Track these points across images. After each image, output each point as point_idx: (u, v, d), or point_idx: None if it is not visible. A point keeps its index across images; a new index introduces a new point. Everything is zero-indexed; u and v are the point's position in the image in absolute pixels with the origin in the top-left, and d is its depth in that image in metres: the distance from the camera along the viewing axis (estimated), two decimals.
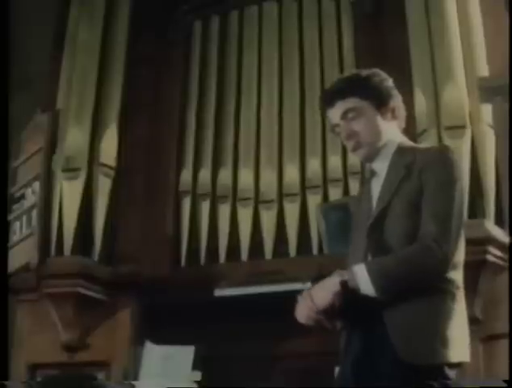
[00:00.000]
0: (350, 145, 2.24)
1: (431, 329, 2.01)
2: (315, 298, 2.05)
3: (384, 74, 2.29)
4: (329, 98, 2.27)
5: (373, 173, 2.27)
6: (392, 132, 2.26)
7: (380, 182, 2.22)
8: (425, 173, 2.11)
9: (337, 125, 2.26)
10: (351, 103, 2.22)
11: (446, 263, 2.04)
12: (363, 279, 2.02)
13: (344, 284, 2.03)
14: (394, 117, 2.27)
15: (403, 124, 2.32)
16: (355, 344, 2.11)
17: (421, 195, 2.11)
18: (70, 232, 4.23)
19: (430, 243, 2.02)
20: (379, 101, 2.24)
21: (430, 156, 2.16)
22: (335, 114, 2.25)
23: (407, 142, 2.29)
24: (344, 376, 2.13)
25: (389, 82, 2.29)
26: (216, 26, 4.96)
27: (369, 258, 2.14)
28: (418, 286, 2.03)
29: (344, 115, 2.22)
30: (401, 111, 2.30)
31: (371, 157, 2.24)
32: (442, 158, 2.14)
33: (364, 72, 2.29)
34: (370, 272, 2.02)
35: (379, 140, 2.22)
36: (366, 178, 2.31)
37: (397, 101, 2.29)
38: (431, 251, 2.02)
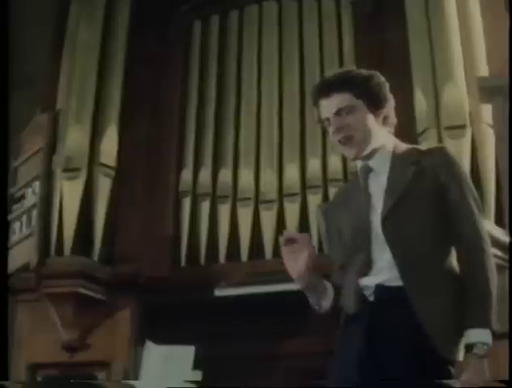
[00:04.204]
0: (338, 137, 2.19)
1: (456, 321, 2.09)
2: None
3: (383, 78, 2.27)
4: (327, 87, 2.22)
5: (369, 170, 2.23)
6: (385, 134, 2.25)
7: (381, 180, 2.19)
8: (442, 174, 2.13)
9: (327, 119, 2.22)
10: (346, 100, 2.18)
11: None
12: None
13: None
14: (386, 123, 2.25)
15: (392, 132, 2.30)
16: (358, 334, 2.10)
17: (439, 195, 2.12)
18: (70, 232, 4.24)
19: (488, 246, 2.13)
20: (374, 103, 2.21)
21: (438, 157, 2.16)
22: (329, 107, 2.20)
23: (403, 144, 2.28)
24: (345, 366, 2.12)
25: (387, 88, 2.26)
26: (216, 25, 4.96)
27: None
28: None
29: (338, 112, 2.19)
30: (393, 120, 2.28)
31: (361, 155, 2.21)
32: (451, 159, 2.16)
33: (365, 72, 2.26)
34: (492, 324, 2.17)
35: (370, 139, 2.19)
36: (361, 176, 2.26)
37: (391, 109, 2.26)
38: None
